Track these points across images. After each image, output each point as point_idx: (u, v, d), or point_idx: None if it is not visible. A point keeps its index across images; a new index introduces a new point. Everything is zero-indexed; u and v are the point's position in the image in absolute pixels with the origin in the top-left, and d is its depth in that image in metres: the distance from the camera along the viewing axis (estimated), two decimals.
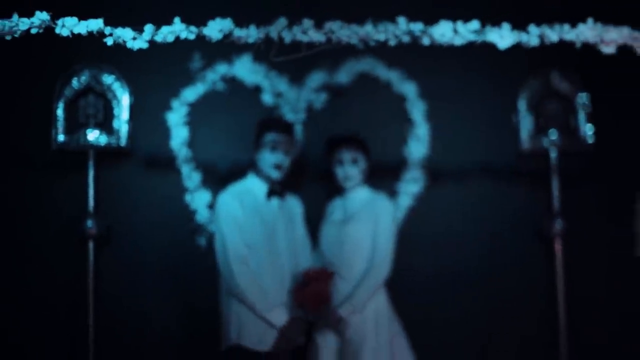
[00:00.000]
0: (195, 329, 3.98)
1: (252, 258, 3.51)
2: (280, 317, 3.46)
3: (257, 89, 4.14)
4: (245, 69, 4.10)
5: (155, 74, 4.04)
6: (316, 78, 4.16)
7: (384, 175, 4.08)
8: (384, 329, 3.60)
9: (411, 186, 4.16)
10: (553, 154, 4.02)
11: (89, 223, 3.87)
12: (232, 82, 4.14)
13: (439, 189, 4.17)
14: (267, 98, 4.14)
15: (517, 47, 2.74)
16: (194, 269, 3.99)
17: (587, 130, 4.02)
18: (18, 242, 3.95)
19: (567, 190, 4.05)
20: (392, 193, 4.10)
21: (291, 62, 3.08)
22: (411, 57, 3.82)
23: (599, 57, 2.82)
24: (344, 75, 4.17)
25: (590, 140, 4.02)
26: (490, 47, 2.81)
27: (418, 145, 4.16)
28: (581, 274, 4.07)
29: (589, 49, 2.75)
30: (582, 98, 4.02)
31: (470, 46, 2.80)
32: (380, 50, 3.35)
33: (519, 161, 4.15)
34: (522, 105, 4.06)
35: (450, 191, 4.19)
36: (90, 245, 3.86)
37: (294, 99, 4.17)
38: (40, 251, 3.96)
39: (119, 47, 2.68)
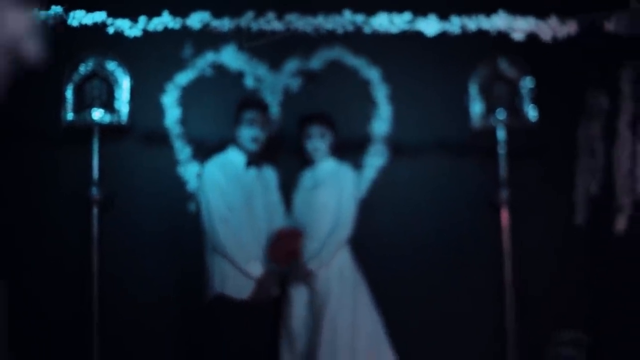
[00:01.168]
0: (185, 282, 4.27)
1: (233, 219, 3.83)
2: (256, 269, 3.81)
3: (240, 74, 4.39)
4: (230, 57, 4.35)
5: (152, 61, 4.28)
6: (292, 64, 4.44)
7: (351, 149, 4.35)
8: (347, 281, 3.93)
9: (375, 160, 4.44)
10: (501, 132, 4.24)
11: (94, 190, 4.11)
12: (219, 68, 4.37)
13: (400, 163, 4.42)
14: (249, 82, 4.40)
15: (470, 36, 3.15)
16: (185, 231, 4.24)
17: (531, 110, 4.25)
18: (32, 207, 4.22)
19: (513, 164, 4.25)
20: (358, 166, 4.35)
21: (270, 49, 3.51)
22: (375, 45, 4.03)
23: (541, 46, 3.18)
24: (317, 62, 4.43)
25: (534, 119, 4.24)
26: (445, 36, 3.24)
27: (381, 124, 4.44)
28: (526, 238, 4.31)
29: (533, 38, 3.11)
30: (526, 82, 4.26)
31: (427, 36, 3.22)
32: (348, 40, 3.75)
33: (470, 138, 4.36)
34: (473, 88, 4.28)
35: (409, 165, 4.43)
36: (95, 210, 4.10)
37: (272, 83, 4.45)
38: (51, 214, 4.24)
39: (121, 37, 3.10)
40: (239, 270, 3.82)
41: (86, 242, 4.12)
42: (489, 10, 2.99)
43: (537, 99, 4.27)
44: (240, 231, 3.86)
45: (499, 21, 2.92)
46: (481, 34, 2.95)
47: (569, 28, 2.95)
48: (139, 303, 4.29)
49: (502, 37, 3.01)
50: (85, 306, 4.13)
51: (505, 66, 4.33)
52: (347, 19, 2.89)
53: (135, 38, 3.24)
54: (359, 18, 2.91)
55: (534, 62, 4.27)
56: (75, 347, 4.22)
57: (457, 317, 4.38)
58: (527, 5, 3.17)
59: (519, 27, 2.92)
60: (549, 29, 2.96)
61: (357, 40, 3.71)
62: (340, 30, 2.93)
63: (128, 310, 4.29)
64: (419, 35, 3.21)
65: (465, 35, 2.97)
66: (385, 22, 2.92)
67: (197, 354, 4.28)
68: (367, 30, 2.94)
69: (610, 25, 3.07)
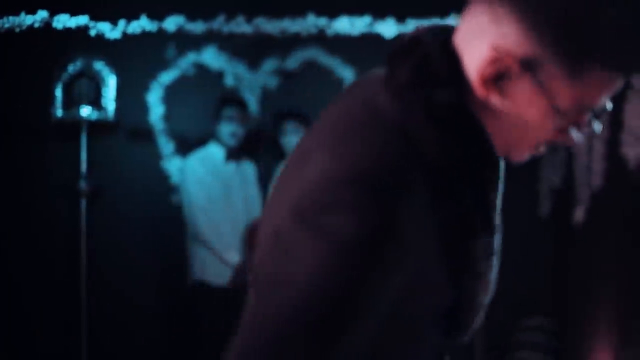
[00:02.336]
0: (168, 268, 4.47)
1: (212, 210, 4.04)
2: (234, 257, 4.03)
3: (220, 73, 4.57)
4: (211, 57, 4.52)
5: (137, 61, 4.39)
6: (270, 64, 4.62)
7: None
8: None
9: None
10: None
11: (82, 183, 4.26)
12: (200, 68, 4.53)
13: None
14: (228, 80, 4.58)
15: None
16: (167, 221, 4.41)
17: None
18: (23, 199, 4.37)
19: None
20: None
21: (249, 50, 3.72)
22: (349, 46, 4.12)
23: None
24: (293, 61, 4.61)
25: None
26: None
27: None
28: None
29: None
30: None
31: (386, 38, 3.43)
32: (323, 41, 3.97)
33: None
34: None
35: None
36: (83, 201, 4.27)
37: (250, 82, 4.63)
38: (42, 206, 4.39)
39: (107, 39, 3.31)
40: (218, 258, 4.03)
41: (75, 232, 4.29)
42: (442, 14, 3.21)
43: None
44: (219, 221, 4.06)
45: (451, 23, 3.14)
46: None
47: None
48: (125, 289, 4.45)
49: None
50: (74, 293, 4.29)
51: None
52: (310, 22, 3.12)
53: (122, 40, 3.45)
54: (322, 21, 3.13)
55: None
56: (64, 334, 4.39)
57: None
58: None
59: None
60: None
61: (331, 41, 3.92)
62: (304, 34, 3.15)
63: (114, 296, 4.44)
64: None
65: None
66: (347, 25, 3.14)
67: (179, 336, 4.49)
68: (329, 32, 3.16)
69: None
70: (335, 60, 4.63)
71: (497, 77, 0.92)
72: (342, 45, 4.30)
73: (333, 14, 3.20)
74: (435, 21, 3.26)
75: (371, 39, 3.58)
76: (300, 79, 4.65)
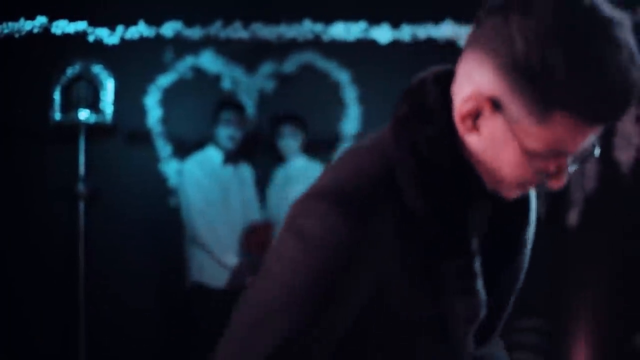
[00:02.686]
0: (166, 270, 4.52)
1: (210, 212, 4.07)
2: (231, 259, 4.06)
3: (217, 77, 4.61)
4: (208, 61, 4.56)
5: (135, 65, 4.40)
6: (267, 67, 4.66)
7: (322, 148, 4.57)
8: None
9: None
10: None
11: (80, 186, 4.27)
12: (198, 71, 4.57)
13: None
14: (226, 84, 4.62)
15: (432, 42, 3.41)
16: (165, 224, 4.43)
17: None
18: (22, 202, 4.39)
19: None
20: (329, 163, 4.63)
21: (247, 54, 3.75)
22: (345, 50, 4.19)
23: None
24: (290, 65, 4.66)
25: None
26: (408, 42, 3.50)
27: (350, 124, 4.70)
28: None
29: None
30: None
31: (393, 42, 3.48)
32: (320, 45, 4.01)
33: None
34: None
35: None
36: (81, 204, 4.28)
37: (248, 85, 4.67)
38: (41, 208, 4.41)
39: (106, 44, 3.35)
40: (215, 260, 4.07)
41: (73, 234, 4.31)
42: (436, 20, 3.25)
43: None
44: (217, 224, 4.10)
45: (446, 30, 3.19)
46: (448, 40, 3.21)
47: None
48: (123, 291, 4.48)
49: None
50: (72, 294, 4.32)
51: None
52: (307, 28, 3.16)
53: (120, 44, 3.49)
54: (318, 27, 3.18)
55: None
56: (62, 336, 4.42)
57: None
58: (471, 14, 3.41)
59: (464, 35, 3.20)
60: None
61: (327, 45, 3.97)
62: (300, 39, 3.20)
63: (112, 298, 4.47)
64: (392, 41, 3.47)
65: (431, 40, 3.23)
66: (342, 31, 3.19)
67: (177, 337, 4.53)
68: (325, 38, 3.21)
69: None
70: (331, 64, 4.68)
71: (474, 116, 1.00)
72: (338, 49, 4.34)
73: (329, 20, 3.25)
74: (429, 27, 3.30)
75: (367, 44, 3.63)
76: (297, 82, 4.70)
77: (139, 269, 4.52)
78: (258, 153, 4.61)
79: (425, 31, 3.30)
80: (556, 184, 1.04)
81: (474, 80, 1.00)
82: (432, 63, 3.46)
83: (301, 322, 1.01)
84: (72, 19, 3.24)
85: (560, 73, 0.91)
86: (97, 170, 4.42)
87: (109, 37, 3.23)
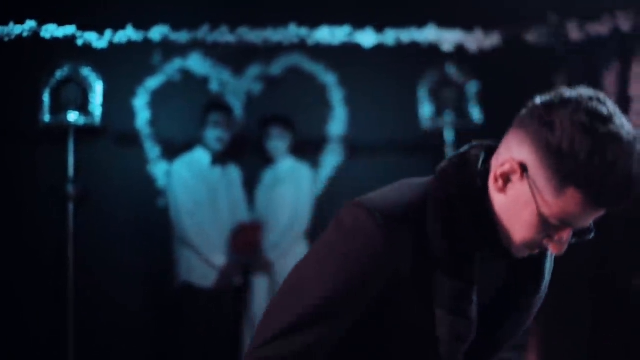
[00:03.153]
0: (155, 271, 4.55)
1: (198, 213, 4.14)
2: (219, 259, 4.14)
3: (205, 79, 4.65)
4: (196, 63, 4.59)
5: (124, 67, 4.43)
6: (254, 70, 4.70)
7: (309, 149, 4.65)
8: None
9: (331, 159, 4.75)
10: (448, 132, 4.50)
11: (69, 187, 4.25)
12: (186, 74, 4.61)
13: (355, 162, 4.73)
14: (213, 86, 4.66)
15: (415, 45, 3.47)
16: (154, 224, 4.47)
17: (476, 112, 4.52)
18: (11, 203, 4.39)
19: None
20: (316, 164, 4.65)
21: (234, 56, 3.79)
22: (331, 53, 4.26)
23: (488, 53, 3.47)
24: (277, 68, 4.70)
25: (479, 121, 4.52)
26: (396, 45, 3.55)
27: (337, 125, 4.75)
28: None
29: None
30: (472, 86, 4.52)
31: (378, 45, 3.53)
32: (306, 48, 4.06)
33: (420, 138, 4.64)
34: (422, 91, 4.51)
35: (364, 163, 4.72)
36: (70, 205, 4.26)
37: (235, 87, 4.71)
38: (30, 209, 4.43)
39: (94, 46, 3.38)
40: (203, 260, 4.13)
41: (62, 235, 4.30)
42: (420, 24, 3.31)
43: (483, 102, 4.56)
44: (205, 224, 4.17)
45: (429, 34, 3.26)
46: (431, 44, 3.27)
47: (493, 39, 3.30)
48: (112, 290, 4.51)
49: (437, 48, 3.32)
50: (62, 294, 4.33)
51: (452, 71, 4.56)
52: (292, 32, 3.22)
53: (109, 48, 3.52)
54: (303, 31, 3.24)
55: (480, 67, 4.49)
56: (51, 336, 4.44)
57: None
58: (453, 18, 3.49)
59: (447, 39, 3.27)
60: (475, 40, 3.30)
61: (314, 48, 4.02)
62: (286, 43, 3.26)
63: (102, 297, 4.49)
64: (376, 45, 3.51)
65: (415, 44, 3.28)
66: (327, 35, 3.25)
67: (166, 336, 4.57)
68: (310, 42, 3.27)
69: (530, 37, 3.41)
70: (318, 67, 4.73)
71: (505, 178, 1.24)
72: (325, 52, 4.40)
73: (314, 24, 3.31)
74: (413, 31, 3.37)
75: (352, 47, 3.68)
76: (284, 84, 4.75)
77: (128, 269, 4.56)
78: (246, 154, 4.66)
79: (408, 35, 3.36)
80: (556, 250, 1.25)
81: (512, 151, 1.24)
82: (415, 66, 3.54)
83: (327, 297, 1.25)
84: (61, 23, 3.28)
85: (583, 158, 1.15)
86: (86, 171, 4.43)
87: (98, 41, 3.28)
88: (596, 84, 3.81)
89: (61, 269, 4.34)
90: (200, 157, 4.31)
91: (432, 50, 3.55)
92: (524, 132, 1.23)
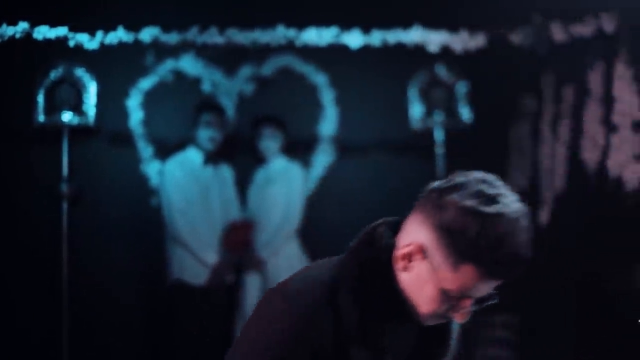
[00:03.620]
0: (148, 268, 4.59)
1: (190, 212, 4.19)
2: (211, 257, 4.19)
3: (197, 80, 4.70)
4: (189, 64, 4.65)
5: (117, 68, 4.48)
6: (246, 71, 4.76)
7: (300, 149, 4.69)
8: (295, 269, 4.31)
9: (322, 158, 4.80)
10: (438, 132, 4.53)
11: (63, 186, 4.27)
12: (178, 75, 4.66)
13: (346, 161, 4.78)
14: (206, 87, 4.72)
15: (401, 46, 3.52)
16: (147, 223, 4.52)
17: (466, 112, 4.54)
18: (6, 202, 4.42)
19: (450, 161, 4.51)
20: (307, 164, 4.71)
21: (226, 57, 3.84)
22: (322, 54, 4.29)
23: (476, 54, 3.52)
24: (269, 68, 4.76)
25: (468, 121, 4.53)
26: (386, 47, 3.60)
27: (328, 125, 4.81)
28: None
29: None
30: (461, 86, 4.54)
31: (368, 46, 3.58)
32: (298, 49, 4.11)
33: (411, 138, 4.67)
34: (412, 92, 4.53)
35: (355, 163, 4.79)
36: (64, 204, 4.28)
37: (227, 88, 4.76)
38: (25, 208, 4.45)
39: (85, 47, 3.44)
40: (195, 258, 4.18)
41: (56, 234, 4.32)
42: (405, 26, 3.36)
43: (472, 102, 4.60)
44: (197, 223, 4.22)
45: (415, 35, 3.32)
46: (418, 45, 3.33)
47: (478, 40, 3.35)
48: (106, 288, 4.57)
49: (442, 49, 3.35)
50: (56, 292, 4.35)
51: (442, 72, 4.61)
52: (280, 33, 3.28)
53: (102, 49, 3.57)
54: (291, 32, 3.30)
55: (469, 68, 4.53)
56: (45, 334, 4.46)
57: None
58: (439, 19, 3.55)
59: (433, 40, 3.32)
60: (460, 41, 3.36)
61: (305, 49, 4.07)
62: (274, 45, 3.31)
63: (95, 296, 4.54)
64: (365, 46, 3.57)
65: (403, 45, 3.34)
66: (315, 36, 3.31)
67: (158, 334, 4.62)
68: (298, 43, 3.32)
69: (515, 38, 3.46)
70: (309, 68, 4.78)
71: (408, 258, 1.36)
72: (315, 53, 4.45)
73: (302, 25, 3.36)
74: (399, 32, 3.42)
75: (341, 48, 3.73)
76: (276, 85, 4.80)
77: (121, 267, 4.61)
78: (238, 154, 4.71)
79: (394, 36, 3.42)
80: (460, 319, 1.38)
81: (413, 232, 1.36)
82: (405, 67, 3.60)
83: None
84: (53, 24, 3.33)
85: (472, 237, 1.28)
86: (80, 171, 4.46)
87: (89, 42, 3.34)
88: (581, 84, 3.87)
89: (55, 267, 4.37)
90: (192, 156, 4.36)
91: (420, 51, 3.60)
92: (422, 215, 1.36)
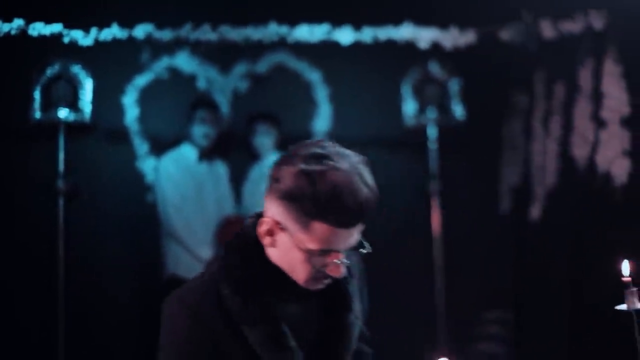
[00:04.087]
0: (143, 264, 4.62)
1: (185, 207, 4.22)
2: (206, 252, 4.20)
3: (193, 77, 4.73)
4: (184, 61, 4.68)
5: (113, 65, 4.50)
6: (241, 68, 4.80)
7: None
8: None
9: None
10: (431, 129, 4.57)
11: (60, 183, 4.28)
12: (173, 72, 4.69)
13: None
14: (201, 84, 4.75)
15: (392, 43, 3.56)
16: (143, 219, 4.54)
17: (459, 109, 4.60)
18: (2, 198, 4.41)
19: (443, 158, 4.58)
20: None
21: (220, 54, 3.87)
22: (316, 51, 4.35)
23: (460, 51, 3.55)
24: (263, 65, 4.80)
25: (461, 117, 4.59)
26: (379, 43, 3.63)
27: (322, 122, 4.85)
28: (455, 225, 4.65)
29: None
30: (454, 83, 4.60)
31: (359, 43, 3.61)
32: (292, 47, 4.15)
33: (404, 135, 4.70)
34: (406, 89, 4.59)
35: None
36: (61, 200, 4.30)
37: (222, 85, 4.79)
38: (21, 204, 4.45)
39: (80, 44, 3.47)
40: (190, 254, 4.21)
41: (53, 230, 4.32)
42: (396, 22, 3.40)
43: (464, 99, 4.64)
44: (192, 219, 4.25)
45: (405, 32, 3.35)
46: (409, 41, 3.36)
47: (468, 37, 3.39)
48: (102, 284, 4.59)
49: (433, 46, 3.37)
50: (52, 288, 4.36)
51: (435, 69, 4.65)
52: (272, 30, 3.32)
53: (98, 45, 3.61)
54: (283, 29, 3.33)
55: (460, 65, 4.58)
56: (41, 330, 4.48)
57: (390, 298, 4.53)
58: (429, 16, 3.59)
59: (423, 37, 3.36)
60: (451, 38, 3.40)
61: (299, 46, 4.11)
62: (266, 42, 3.35)
63: (91, 291, 4.56)
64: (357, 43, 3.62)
65: (394, 42, 3.38)
66: (306, 33, 3.34)
67: (153, 329, 4.63)
68: (290, 40, 3.36)
69: (504, 35, 3.50)
70: (303, 64, 4.82)
71: (270, 234, 1.48)
72: (309, 50, 4.48)
73: (294, 22, 3.40)
74: (389, 29, 3.46)
75: (335, 45, 3.76)
76: (270, 82, 4.83)
77: (117, 262, 4.62)
78: (232, 150, 4.73)
79: (385, 33, 3.46)
80: (335, 273, 1.48)
81: (268, 210, 1.49)
82: (398, 64, 3.64)
83: None
84: (48, 21, 3.37)
85: (308, 194, 1.39)
86: (76, 167, 4.47)
87: (84, 38, 3.37)
88: (571, 80, 3.90)
89: (51, 263, 4.37)
90: (187, 152, 4.39)
91: (411, 47, 3.64)
92: (269, 192, 1.49)
